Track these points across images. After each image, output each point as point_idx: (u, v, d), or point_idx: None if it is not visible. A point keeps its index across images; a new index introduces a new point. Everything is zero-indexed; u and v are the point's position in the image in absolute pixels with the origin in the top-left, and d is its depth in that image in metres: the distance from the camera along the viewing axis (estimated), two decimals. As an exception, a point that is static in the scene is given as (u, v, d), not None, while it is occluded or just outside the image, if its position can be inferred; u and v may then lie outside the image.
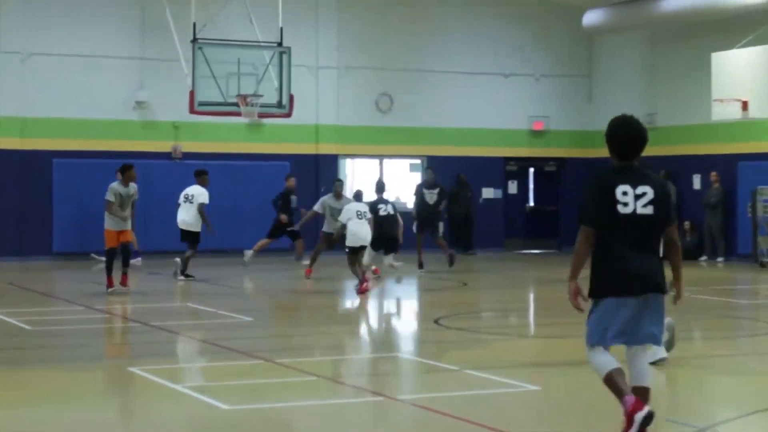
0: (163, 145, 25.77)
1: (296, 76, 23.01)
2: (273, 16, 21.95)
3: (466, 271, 22.30)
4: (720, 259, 25.23)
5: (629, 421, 6.88)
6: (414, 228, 22.41)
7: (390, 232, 19.53)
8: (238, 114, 21.74)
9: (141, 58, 25.65)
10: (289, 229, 21.97)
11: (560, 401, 8.93)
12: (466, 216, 27.76)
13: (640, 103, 27.53)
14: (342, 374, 10.86)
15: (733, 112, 22.20)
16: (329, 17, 27.24)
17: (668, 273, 7.25)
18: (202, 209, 20.03)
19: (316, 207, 20.51)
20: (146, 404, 9.23)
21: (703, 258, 25.52)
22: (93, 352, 12.29)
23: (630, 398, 6.93)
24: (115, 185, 17.74)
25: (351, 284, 18.59)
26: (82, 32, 25.30)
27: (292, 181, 22.53)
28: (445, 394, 9.38)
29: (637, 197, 7.06)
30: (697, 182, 26.49)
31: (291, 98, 21.74)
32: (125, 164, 18.20)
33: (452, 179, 27.21)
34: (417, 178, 28.41)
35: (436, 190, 22.67)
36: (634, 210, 7.05)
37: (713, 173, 25.43)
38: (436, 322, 14.28)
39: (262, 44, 22.02)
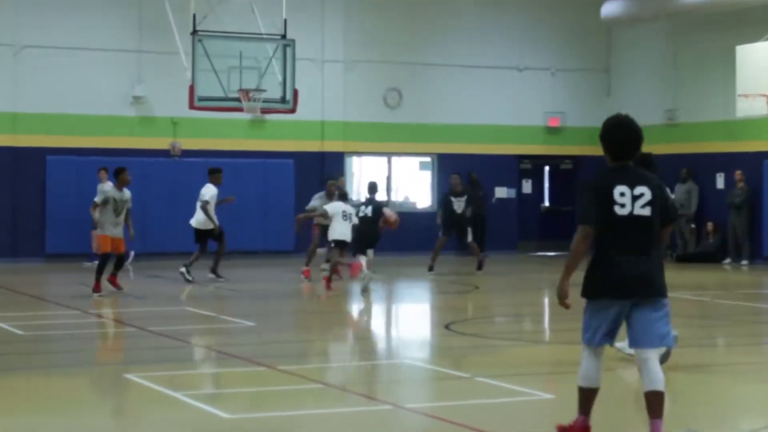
0: (161, 142, 25.81)
1: (300, 69, 23.01)
2: (276, 6, 21.97)
3: (478, 274, 22.29)
4: (744, 262, 25.20)
5: None
6: (440, 233, 22.50)
7: (367, 232, 19.58)
8: (240, 110, 21.76)
9: (138, 51, 25.69)
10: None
11: (575, 410, 8.91)
12: (478, 217, 27.71)
13: (661, 99, 27.53)
14: (348, 381, 10.85)
15: (759, 108, 22.19)
16: (335, 8, 27.25)
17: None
18: (204, 207, 20.05)
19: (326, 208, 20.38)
20: (143, 412, 9.23)
21: (727, 261, 25.49)
22: (88, 358, 12.31)
23: (581, 420, 7.49)
24: (110, 189, 17.76)
25: (356, 287, 18.62)
26: (77, 24, 25.36)
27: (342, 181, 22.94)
28: (456, 403, 9.38)
29: (635, 198, 7.23)
30: (720, 182, 26.46)
31: (295, 93, 21.76)
32: (118, 167, 18.12)
33: (464, 178, 27.17)
34: (427, 177, 28.45)
35: (464, 198, 22.55)
36: (632, 211, 7.22)
37: (738, 172, 25.40)
38: (446, 327, 14.29)
39: (265, 36, 22.04)
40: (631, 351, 10.21)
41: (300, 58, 22.88)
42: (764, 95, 22.02)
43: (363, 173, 27.86)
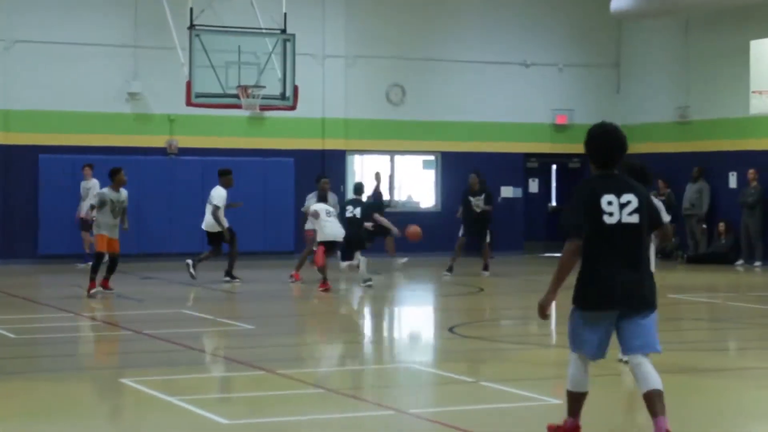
0: (157, 140, 25.83)
1: (301, 65, 23.03)
2: (276, 0, 21.99)
3: (483, 275, 22.31)
4: (758, 263, 25.21)
5: None
6: (460, 232, 22.55)
7: (353, 234, 19.64)
8: (239, 106, 21.78)
9: (134, 46, 25.72)
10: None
11: (583, 416, 8.94)
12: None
13: (672, 95, 27.54)
14: (349, 386, 10.89)
15: (773, 105, 22.20)
16: (337, 2, 27.28)
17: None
18: (215, 213, 20.07)
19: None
20: (138, 418, 9.26)
21: (740, 262, 25.51)
22: (82, 362, 12.35)
23: (571, 421, 7.67)
24: (106, 191, 17.85)
25: (357, 290, 18.66)
26: (70, 18, 25.39)
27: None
28: (460, 408, 9.41)
29: (622, 206, 7.42)
30: (733, 180, 26.47)
31: (295, 89, 21.77)
32: (114, 168, 18.23)
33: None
34: (430, 175, 28.45)
35: (482, 196, 22.63)
36: (620, 219, 7.40)
37: (751, 170, 25.41)
38: (450, 330, 14.31)
39: (265, 31, 22.05)
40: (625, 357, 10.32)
41: (300, 54, 22.89)
42: (778, 92, 22.06)
43: (365, 172, 27.85)
